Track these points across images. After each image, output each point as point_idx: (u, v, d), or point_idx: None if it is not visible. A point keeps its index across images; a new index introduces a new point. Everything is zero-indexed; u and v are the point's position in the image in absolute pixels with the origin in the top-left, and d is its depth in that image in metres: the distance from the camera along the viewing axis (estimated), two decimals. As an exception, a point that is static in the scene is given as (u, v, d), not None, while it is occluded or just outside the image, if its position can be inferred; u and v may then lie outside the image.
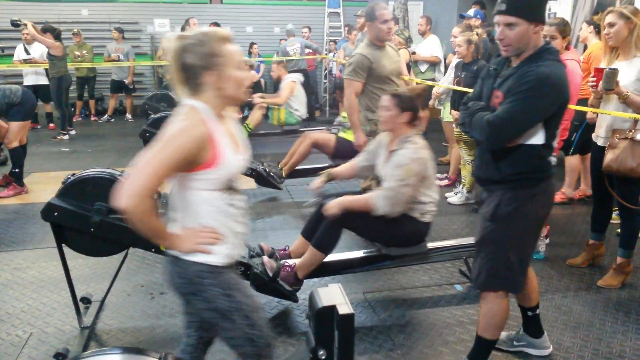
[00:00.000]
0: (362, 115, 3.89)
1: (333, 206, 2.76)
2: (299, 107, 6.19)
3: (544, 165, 2.17)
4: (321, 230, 2.80)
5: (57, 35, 7.56)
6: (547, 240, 3.77)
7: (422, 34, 7.01)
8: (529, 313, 2.54)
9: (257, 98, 6.18)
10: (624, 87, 2.95)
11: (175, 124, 1.57)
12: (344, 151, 4.62)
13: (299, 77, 6.40)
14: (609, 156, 3.05)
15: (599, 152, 3.20)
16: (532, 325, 2.56)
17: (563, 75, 2.06)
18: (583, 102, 4.50)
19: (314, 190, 3.13)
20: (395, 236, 2.88)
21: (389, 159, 2.85)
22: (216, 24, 9.25)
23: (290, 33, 9.39)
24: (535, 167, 2.14)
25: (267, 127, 7.13)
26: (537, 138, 2.09)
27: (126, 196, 1.47)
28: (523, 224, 2.17)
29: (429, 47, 6.83)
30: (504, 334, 2.57)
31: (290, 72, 7.12)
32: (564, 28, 3.63)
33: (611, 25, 3.07)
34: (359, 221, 2.81)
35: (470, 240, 3.21)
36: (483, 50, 4.98)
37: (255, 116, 6.32)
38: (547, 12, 6.54)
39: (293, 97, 6.15)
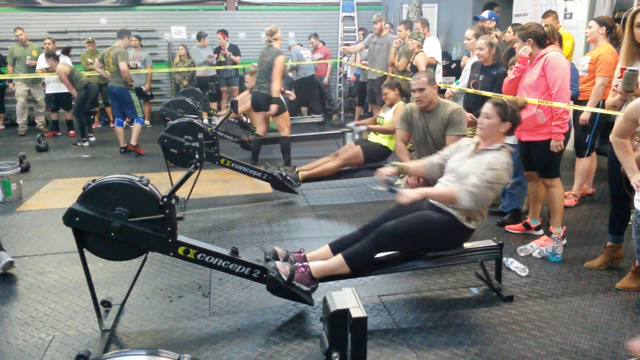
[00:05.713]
0: None
1: (412, 193, 2.82)
2: None
3: None
4: (359, 247, 2.83)
5: (65, 53, 8.07)
6: (565, 242, 3.73)
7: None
8: None
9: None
10: None
11: None
12: (373, 155, 5.09)
13: None
14: None
15: None
16: None
17: None
18: (583, 103, 4.45)
19: (380, 177, 3.09)
20: (442, 239, 2.96)
21: (474, 156, 2.93)
22: (224, 31, 9.34)
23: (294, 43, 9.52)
24: None
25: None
26: None
27: None
28: None
29: (427, 49, 6.80)
30: None
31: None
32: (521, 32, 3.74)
33: None
34: (407, 241, 2.87)
35: (486, 243, 3.21)
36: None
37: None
38: (562, 12, 6.47)
39: None
